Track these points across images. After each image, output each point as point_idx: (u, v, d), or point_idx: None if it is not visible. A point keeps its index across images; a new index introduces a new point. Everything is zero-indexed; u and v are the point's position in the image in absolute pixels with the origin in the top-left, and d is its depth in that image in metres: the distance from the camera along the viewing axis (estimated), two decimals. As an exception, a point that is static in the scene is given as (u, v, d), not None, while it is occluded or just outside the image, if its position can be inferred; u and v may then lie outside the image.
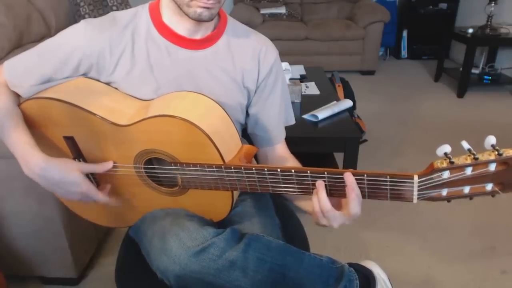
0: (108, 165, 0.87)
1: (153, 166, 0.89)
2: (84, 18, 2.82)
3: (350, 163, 1.67)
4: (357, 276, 0.84)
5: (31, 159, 0.79)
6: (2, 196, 1.32)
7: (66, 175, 0.80)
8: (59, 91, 0.86)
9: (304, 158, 1.02)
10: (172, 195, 0.90)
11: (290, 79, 2.12)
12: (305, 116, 1.79)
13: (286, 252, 0.84)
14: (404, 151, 2.61)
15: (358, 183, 0.71)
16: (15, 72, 0.88)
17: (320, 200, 0.74)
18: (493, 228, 1.89)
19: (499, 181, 0.65)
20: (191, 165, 0.81)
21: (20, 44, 2.09)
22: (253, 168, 0.77)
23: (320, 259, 0.85)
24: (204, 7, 0.79)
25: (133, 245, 0.96)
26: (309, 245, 1.08)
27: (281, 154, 1.03)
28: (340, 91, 2.51)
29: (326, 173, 0.73)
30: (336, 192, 0.74)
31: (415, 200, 0.69)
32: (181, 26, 0.87)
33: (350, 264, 0.87)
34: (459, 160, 0.63)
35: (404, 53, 4.86)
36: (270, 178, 0.77)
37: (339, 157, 1.93)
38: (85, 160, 0.90)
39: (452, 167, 0.63)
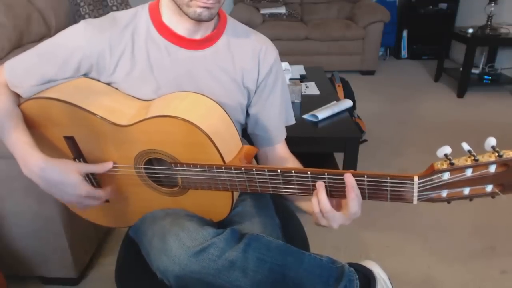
0: (108, 165, 0.87)
1: (153, 166, 0.89)
2: (84, 18, 2.82)
3: (350, 163, 1.67)
4: (357, 276, 0.84)
5: (30, 159, 0.79)
6: (2, 196, 1.32)
7: (65, 176, 0.80)
8: (59, 91, 0.86)
9: (304, 158, 1.02)
10: (172, 195, 0.90)
11: (290, 79, 2.12)
12: (305, 116, 1.79)
13: (286, 252, 0.84)
14: (404, 151, 2.61)
15: (358, 184, 0.71)
16: (15, 72, 0.88)
17: (320, 201, 0.74)
18: (493, 228, 1.89)
19: (499, 182, 0.65)
20: (191, 166, 0.81)
21: (20, 44, 2.09)
22: (254, 169, 0.77)
23: (320, 259, 0.85)
24: (204, 7, 0.79)
25: (133, 245, 0.96)
26: (309, 245, 1.08)
27: (282, 154, 1.03)
28: (340, 91, 2.51)
29: (326, 174, 0.73)
30: (336, 193, 0.74)
31: (415, 201, 0.69)
32: (181, 26, 0.87)
33: (350, 264, 0.87)
34: (459, 162, 0.63)
35: (404, 53, 4.86)
36: (270, 178, 0.77)
37: (339, 157, 1.93)
38: (85, 160, 0.90)
39: (452, 168, 0.63)
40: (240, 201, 0.99)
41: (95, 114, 0.83)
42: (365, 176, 0.70)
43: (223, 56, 0.92)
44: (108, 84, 0.90)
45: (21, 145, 0.81)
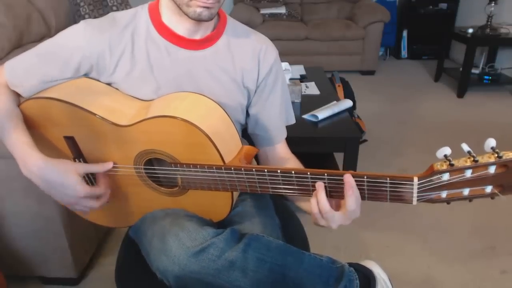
0: (108, 165, 0.87)
1: (153, 166, 0.89)
2: (84, 18, 2.82)
3: (350, 163, 1.67)
4: (357, 276, 0.84)
5: (30, 159, 0.79)
6: (2, 196, 1.32)
7: (65, 176, 0.80)
8: (60, 91, 0.86)
9: (304, 158, 1.02)
10: (172, 196, 0.90)
11: (290, 79, 2.12)
12: (305, 116, 1.79)
13: (286, 252, 0.84)
14: (404, 151, 2.61)
15: (358, 185, 0.71)
16: (16, 72, 0.88)
17: (319, 201, 0.74)
18: (493, 228, 1.89)
19: (499, 183, 0.65)
20: (191, 166, 0.82)
21: (20, 44, 2.09)
22: (253, 169, 0.77)
23: (320, 259, 0.85)
24: (204, 7, 0.79)
25: (133, 245, 0.96)
26: (309, 245, 1.08)
27: (282, 154, 1.03)
28: (340, 91, 2.51)
29: (326, 174, 0.73)
30: (336, 194, 0.74)
31: (414, 202, 0.69)
32: (181, 26, 0.87)
33: (350, 264, 0.87)
34: (458, 163, 0.63)
35: (404, 53, 4.86)
36: (270, 179, 0.77)
37: (339, 157, 1.93)
38: (85, 161, 0.90)
39: (452, 169, 0.63)
40: (240, 201, 0.99)
41: (95, 114, 0.83)
42: (365, 177, 0.70)
43: (223, 56, 0.92)
44: (108, 84, 0.90)
45: (21, 145, 0.81)
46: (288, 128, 1.05)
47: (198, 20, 0.82)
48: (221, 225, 0.91)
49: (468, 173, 0.64)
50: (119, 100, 0.89)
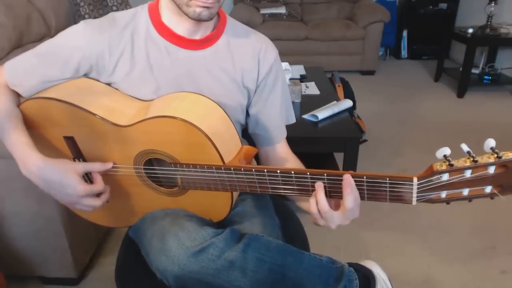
0: (108, 165, 0.87)
1: (153, 166, 0.89)
2: (84, 18, 2.82)
3: (350, 163, 1.67)
4: (357, 276, 0.84)
5: (29, 159, 0.79)
6: (2, 196, 1.32)
7: (64, 176, 0.80)
8: (59, 91, 0.86)
9: (304, 158, 1.02)
10: (171, 196, 0.90)
11: (290, 79, 2.12)
12: (305, 116, 1.79)
13: (285, 252, 0.84)
14: (404, 151, 2.61)
15: (357, 185, 0.71)
16: (16, 72, 0.89)
17: (318, 201, 0.74)
18: (493, 228, 1.89)
19: (498, 183, 0.65)
20: (190, 166, 0.82)
21: (20, 44, 2.09)
22: (253, 169, 0.77)
23: (320, 259, 0.85)
24: (204, 7, 0.79)
25: (133, 245, 0.96)
26: (309, 245, 1.08)
27: (283, 154, 1.03)
28: (340, 91, 2.51)
29: (325, 174, 0.73)
30: (335, 194, 0.74)
31: (414, 202, 0.69)
32: (181, 26, 0.87)
33: (350, 264, 0.87)
34: (458, 163, 0.63)
35: (404, 53, 4.86)
36: (269, 179, 0.77)
37: (339, 157, 1.93)
38: (84, 160, 0.90)
39: (452, 169, 0.63)
40: (240, 201, 0.99)
41: (94, 114, 0.83)
42: (364, 177, 0.70)
43: (223, 56, 0.92)
44: (108, 84, 0.90)
45: (20, 145, 0.81)
46: (288, 128, 1.05)
47: (198, 20, 0.82)
48: (221, 225, 0.91)
49: (468, 173, 0.64)
50: (119, 100, 0.89)
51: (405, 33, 4.77)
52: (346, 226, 0.77)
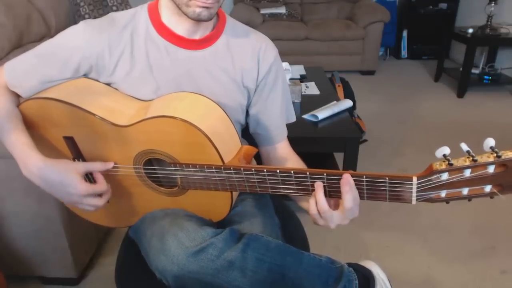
0: (109, 164, 0.87)
1: (153, 166, 0.89)
2: (84, 18, 2.82)
3: (350, 163, 1.67)
4: (356, 276, 0.84)
5: (29, 160, 0.79)
6: (2, 196, 1.33)
7: (64, 176, 0.80)
8: (59, 91, 0.86)
9: (304, 158, 1.02)
10: (171, 196, 0.90)
11: (290, 79, 2.12)
12: (305, 116, 1.79)
13: (285, 252, 0.84)
14: (404, 151, 2.61)
15: (357, 185, 0.71)
16: (15, 73, 0.88)
17: (318, 201, 0.74)
18: (493, 228, 1.89)
19: (498, 183, 0.65)
20: (190, 166, 0.82)
21: (20, 44, 2.09)
22: (252, 169, 0.77)
23: (320, 259, 0.85)
24: (203, 7, 0.79)
25: (133, 245, 0.96)
26: (309, 245, 1.08)
27: (284, 154, 1.03)
28: (340, 91, 2.51)
29: (325, 174, 0.73)
30: (335, 194, 0.74)
31: (414, 202, 0.69)
32: (180, 26, 0.87)
33: (350, 264, 0.87)
34: (458, 162, 0.63)
35: (404, 53, 4.87)
36: (269, 179, 0.77)
37: (339, 157, 1.93)
38: (84, 161, 0.90)
39: (451, 169, 0.63)
40: (240, 201, 0.99)
41: (94, 115, 0.83)
42: (364, 177, 0.70)
43: (223, 56, 0.92)
44: (108, 84, 0.90)
45: (20, 146, 0.81)
46: (288, 128, 1.05)
47: (198, 20, 0.82)
48: (220, 225, 0.91)
49: (467, 173, 0.64)
50: (119, 100, 0.89)
51: (405, 33, 4.77)
52: (346, 226, 0.76)
